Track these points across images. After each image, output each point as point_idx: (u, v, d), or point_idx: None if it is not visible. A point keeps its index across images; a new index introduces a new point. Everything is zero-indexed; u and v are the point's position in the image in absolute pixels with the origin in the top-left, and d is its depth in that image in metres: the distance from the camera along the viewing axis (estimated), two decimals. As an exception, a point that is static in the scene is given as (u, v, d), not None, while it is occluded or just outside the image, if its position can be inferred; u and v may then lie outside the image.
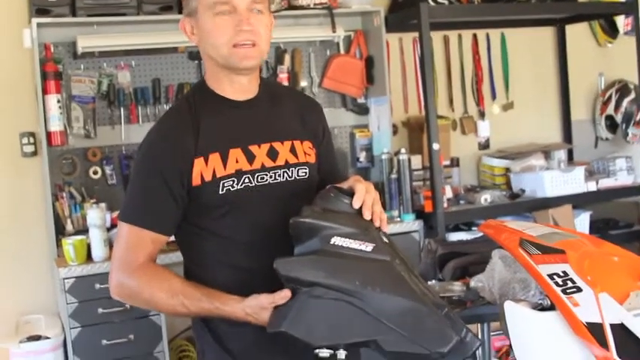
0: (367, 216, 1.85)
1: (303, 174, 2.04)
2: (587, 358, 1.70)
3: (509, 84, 5.22)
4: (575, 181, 4.63)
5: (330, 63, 4.58)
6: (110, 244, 3.65)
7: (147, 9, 4.00)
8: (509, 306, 1.81)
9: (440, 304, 1.75)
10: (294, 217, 1.81)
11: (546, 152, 4.92)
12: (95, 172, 4.15)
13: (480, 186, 4.94)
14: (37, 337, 3.70)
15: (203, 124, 1.95)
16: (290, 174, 2.01)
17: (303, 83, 4.57)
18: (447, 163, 4.77)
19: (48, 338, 3.70)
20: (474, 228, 4.44)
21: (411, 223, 4.28)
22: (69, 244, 3.68)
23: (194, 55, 4.26)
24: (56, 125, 3.88)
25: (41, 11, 3.86)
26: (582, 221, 4.67)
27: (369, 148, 4.64)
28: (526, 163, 4.81)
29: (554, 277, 1.81)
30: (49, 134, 3.88)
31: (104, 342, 3.66)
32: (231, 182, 1.93)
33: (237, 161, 1.94)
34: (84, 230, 3.85)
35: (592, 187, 4.70)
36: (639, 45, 4.76)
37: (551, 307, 1.80)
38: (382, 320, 1.71)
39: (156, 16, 4.02)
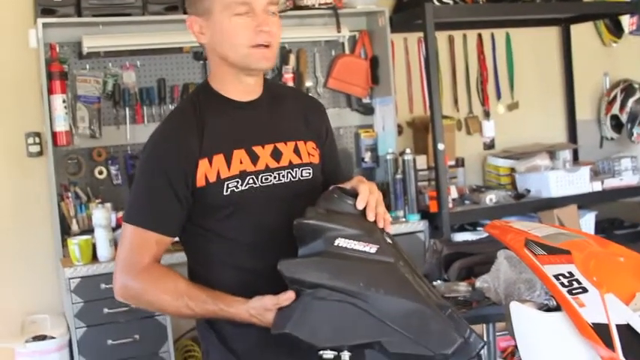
0: (371, 217, 1.85)
1: (307, 174, 2.04)
2: (593, 359, 1.70)
3: (514, 84, 5.22)
4: (580, 181, 4.62)
5: (335, 63, 4.58)
6: (115, 244, 3.65)
7: (152, 9, 4.00)
8: (514, 306, 1.81)
9: (443, 305, 1.75)
10: (298, 218, 1.81)
11: (551, 152, 4.91)
12: (100, 172, 4.15)
13: (485, 186, 4.93)
14: (43, 337, 3.71)
15: (207, 126, 1.95)
16: (294, 174, 2.01)
17: (308, 83, 4.57)
18: (452, 163, 4.77)
19: (53, 338, 3.70)
20: (479, 228, 4.44)
21: (416, 224, 4.27)
22: (74, 244, 3.69)
23: (199, 56, 4.26)
24: (61, 125, 3.88)
25: (47, 11, 3.86)
26: (587, 221, 4.67)
27: (374, 149, 4.63)
28: (531, 163, 4.80)
29: (560, 277, 1.80)
30: (54, 134, 3.88)
31: (109, 342, 3.66)
32: (236, 183, 1.93)
33: (241, 162, 1.95)
34: (89, 230, 3.85)
35: (597, 187, 4.69)
36: (644, 45, 4.75)
37: (557, 308, 1.79)
38: (386, 322, 1.71)
39: (161, 16, 4.02)
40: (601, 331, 1.68)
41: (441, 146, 4.24)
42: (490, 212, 4.40)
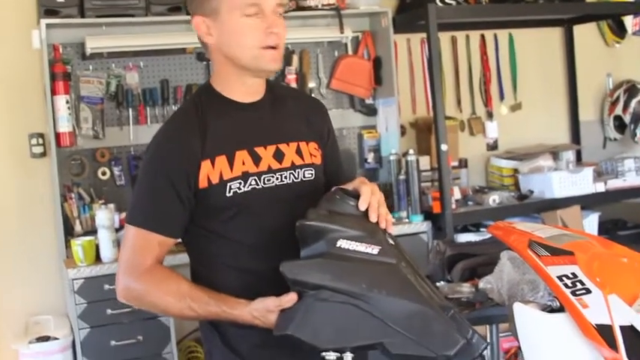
0: (373, 218, 1.85)
1: (310, 175, 2.04)
2: (596, 360, 1.70)
3: (517, 84, 5.21)
4: (583, 182, 4.61)
5: (338, 64, 4.58)
6: (119, 245, 3.65)
7: (155, 10, 4.01)
8: (518, 307, 1.81)
9: (446, 306, 1.75)
10: (300, 220, 1.81)
11: (554, 153, 4.91)
12: (104, 173, 4.15)
13: (488, 187, 4.93)
14: (46, 338, 3.71)
15: (209, 127, 1.95)
16: (296, 175, 2.01)
17: (311, 84, 4.57)
18: (455, 164, 4.77)
19: (57, 339, 3.71)
20: (482, 229, 4.43)
21: (419, 224, 4.27)
22: (78, 244, 3.69)
23: (202, 56, 4.26)
24: (65, 126, 3.88)
25: (50, 12, 3.87)
26: (591, 222, 4.66)
27: (377, 149, 4.64)
28: (534, 164, 4.80)
29: (564, 278, 1.80)
30: (57, 135, 3.88)
31: (113, 343, 3.66)
32: (238, 184, 1.93)
33: (243, 163, 1.94)
34: (92, 231, 3.86)
35: (600, 187, 4.68)
36: (648, 45, 4.75)
37: (560, 309, 1.79)
38: (388, 323, 1.71)
39: (164, 17, 4.03)
40: (604, 332, 1.68)
41: (444, 147, 4.24)
42: (493, 213, 4.40)
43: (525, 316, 1.80)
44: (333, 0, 4.36)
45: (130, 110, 4.19)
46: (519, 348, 1.83)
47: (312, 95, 4.37)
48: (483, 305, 2.32)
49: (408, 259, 1.82)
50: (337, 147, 2.25)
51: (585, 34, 5.36)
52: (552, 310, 1.82)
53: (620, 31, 5.42)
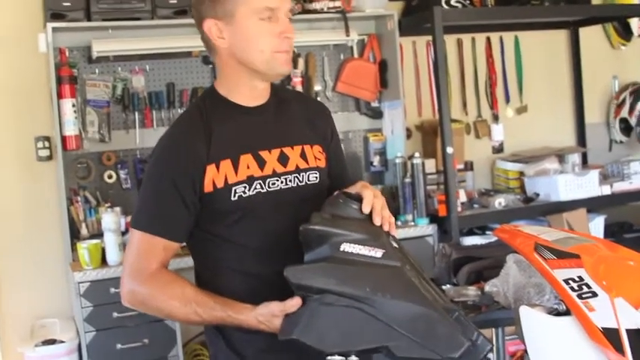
0: (377, 221, 1.85)
1: (314, 179, 2.04)
2: (602, 364, 1.70)
3: (522, 87, 5.21)
4: (589, 185, 4.60)
5: (343, 67, 4.58)
6: (125, 248, 3.65)
7: (161, 13, 4.01)
8: (524, 311, 1.80)
9: (451, 308, 1.75)
10: (304, 224, 1.80)
11: (560, 156, 4.90)
12: (110, 177, 4.16)
13: (493, 190, 4.92)
14: (52, 341, 3.71)
15: (214, 131, 1.95)
16: (301, 179, 2.01)
17: (317, 87, 4.57)
18: (461, 166, 4.76)
19: (63, 342, 3.71)
20: (488, 232, 4.42)
21: (425, 227, 4.26)
22: (84, 248, 3.69)
23: (208, 60, 4.26)
24: (71, 129, 3.89)
25: (56, 16, 3.88)
26: (597, 225, 4.65)
27: (382, 152, 4.63)
28: (540, 166, 4.79)
29: (570, 281, 1.80)
30: (64, 138, 3.89)
31: (119, 346, 3.67)
32: (243, 188, 1.93)
33: (248, 167, 1.94)
34: (99, 234, 3.86)
35: (606, 190, 4.67)
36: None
37: (567, 312, 1.79)
38: (393, 326, 1.70)
39: (170, 21, 4.03)
40: (611, 335, 1.67)
41: (449, 150, 4.23)
42: (499, 216, 4.39)
43: (531, 319, 1.80)
44: (338, 3, 4.37)
45: (136, 113, 4.19)
46: (525, 351, 1.83)
47: (318, 98, 4.37)
48: (489, 308, 2.31)
49: (412, 262, 1.82)
50: (341, 150, 2.25)
51: (591, 36, 5.36)
52: (558, 314, 1.82)
53: (625, 33, 5.41)
